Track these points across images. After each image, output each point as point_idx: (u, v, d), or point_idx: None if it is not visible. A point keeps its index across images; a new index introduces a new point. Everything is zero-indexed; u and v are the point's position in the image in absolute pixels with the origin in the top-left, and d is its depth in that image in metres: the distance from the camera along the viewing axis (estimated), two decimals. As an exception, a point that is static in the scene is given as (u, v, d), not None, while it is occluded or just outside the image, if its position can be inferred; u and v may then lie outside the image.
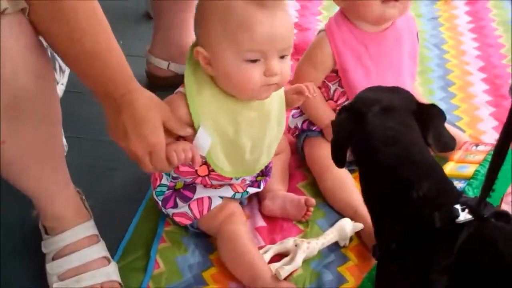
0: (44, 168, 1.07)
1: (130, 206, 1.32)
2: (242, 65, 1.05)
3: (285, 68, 1.08)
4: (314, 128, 1.40)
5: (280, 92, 1.19)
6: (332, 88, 1.35)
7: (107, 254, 1.16)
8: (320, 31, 1.36)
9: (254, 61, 1.05)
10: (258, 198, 1.32)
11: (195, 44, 1.09)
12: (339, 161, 1.00)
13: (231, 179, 1.20)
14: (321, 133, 1.39)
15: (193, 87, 1.10)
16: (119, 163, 1.39)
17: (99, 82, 0.96)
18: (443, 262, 0.83)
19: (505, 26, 1.94)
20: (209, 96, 1.10)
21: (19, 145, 0.99)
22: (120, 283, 1.14)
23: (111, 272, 1.14)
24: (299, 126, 1.42)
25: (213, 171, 1.17)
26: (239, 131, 1.13)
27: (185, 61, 1.12)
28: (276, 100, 1.18)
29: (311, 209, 1.27)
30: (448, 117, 1.50)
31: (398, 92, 1.03)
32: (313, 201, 1.27)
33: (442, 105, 1.58)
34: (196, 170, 1.18)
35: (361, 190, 0.99)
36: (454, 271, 0.82)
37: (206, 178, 1.20)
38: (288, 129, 1.46)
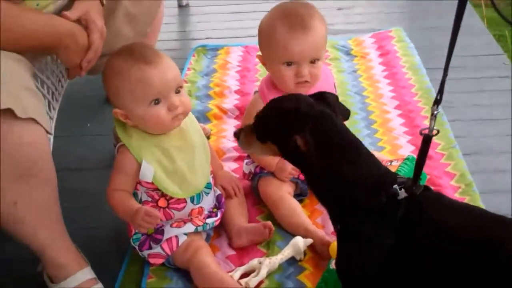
0: (49, 222, 1.31)
1: (118, 255, 1.56)
2: (150, 109, 1.38)
3: (183, 99, 1.41)
4: (265, 170, 1.67)
5: (197, 126, 1.52)
6: None
7: (106, 293, 1.40)
8: (255, 92, 1.66)
9: (157, 102, 1.37)
10: (225, 232, 1.58)
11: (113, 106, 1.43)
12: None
13: (185, 202, 1.46)
14: (271, 173, 1.66)
15: (126, 136, 1.43)
16: (102, 223, 1.64)
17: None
18: (389, 230, 1.09)
19: (413, 69, 2.30)
20: (139, 139, 1.42)
21: (29, 205, 1.23)
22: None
23: (112, 306, 1.37)
24: (253, 170, 1.70)
25: (171, 198, 1.44)
26: (172, 158, 1.43)
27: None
28: (195, 132, 1.50)
29: (272, 228, 1.53)
30: (373, 148, 1.84)
31: (303, 97, 1.21)
32: (269, 223, 1.53)
33: (367, 140, 1.91)
34: (157, 203, 1.45)
35: (311, 187, 1.23)
36: (398, 236, 1.08)
37: (167, 210, 1.46)
38: (243, 174, 1.73)
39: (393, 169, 1.42)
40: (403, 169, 1.41)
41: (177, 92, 1.40)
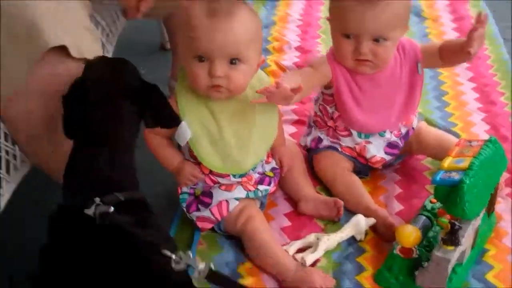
0: None
1: (167, 215, 1.46)
2: (193, 63, 1.23)
3: (233, 73, 1.23)
4: (320, 146, 1.54)
5: (270, 105, 1.32)
6: (330, 110, 1.49)
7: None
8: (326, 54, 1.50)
9: (202, 60, 1.22)
10: (289, 196, 1.49)
11: None
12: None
13: (229, 176, 1.35)
14: (327, 149, 1.53)
15: (182, 89, 1.30)
16: (153, 179, 1.54)
17: None
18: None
19: (490, 39, 2.12)
20: (192, 96, 1.29)
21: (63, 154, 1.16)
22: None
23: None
24: (308, 144, 1.56)
25: None
26: (221, 128, 1.29)
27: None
28: (263, 108, 1.33)
29: (342, 209, 1.41)
30: (443, 124, 1.70)
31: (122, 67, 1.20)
32: (341, 202, 1.41)
33: (437, 113, 1.77)
34: (200, 167, 1.34)
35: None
36: None
37: (210, 176, 1.36)
38: (299, 145, 1.59)
39: (473, 151, 1.29)
40: (485, 152, 1.26)
41: (232, 63, 1.23)
